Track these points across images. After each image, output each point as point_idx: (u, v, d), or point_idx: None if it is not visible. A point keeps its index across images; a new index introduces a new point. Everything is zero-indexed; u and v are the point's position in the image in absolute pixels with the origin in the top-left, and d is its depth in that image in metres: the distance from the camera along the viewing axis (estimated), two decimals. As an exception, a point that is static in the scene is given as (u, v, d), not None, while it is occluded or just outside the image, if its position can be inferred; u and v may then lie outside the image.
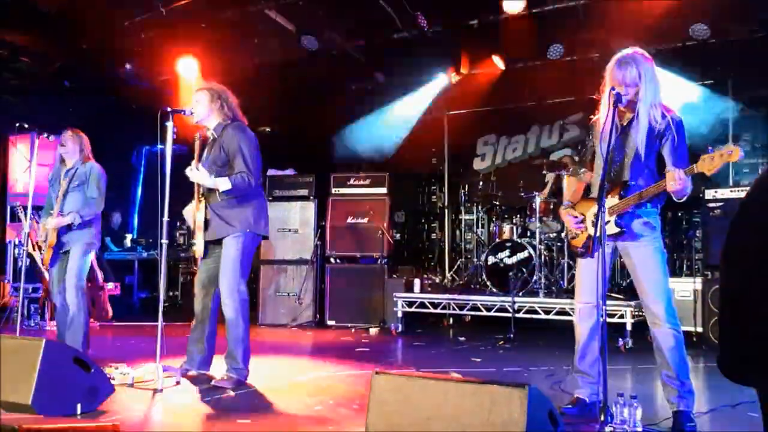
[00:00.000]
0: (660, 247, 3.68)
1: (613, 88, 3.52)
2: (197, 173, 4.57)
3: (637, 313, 6.45)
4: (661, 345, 3.62)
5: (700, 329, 6.41)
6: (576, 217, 3.88)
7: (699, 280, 6.55)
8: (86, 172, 5.51)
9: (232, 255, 4.62)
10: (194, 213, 4.71)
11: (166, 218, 4.68)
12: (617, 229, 3.66)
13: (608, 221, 3.67)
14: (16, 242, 8.30)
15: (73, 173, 5.51)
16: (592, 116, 3.96)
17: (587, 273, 3.74)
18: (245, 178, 4.60)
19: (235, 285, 4.61)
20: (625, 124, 3.70)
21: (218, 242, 4.73)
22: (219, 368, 4.74)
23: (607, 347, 3.34)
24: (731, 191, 6.71)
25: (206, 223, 4.67)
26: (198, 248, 4.70)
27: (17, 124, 5.52)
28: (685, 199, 3.49)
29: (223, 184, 4.57)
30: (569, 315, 6.69)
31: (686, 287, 6.49)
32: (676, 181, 3.37)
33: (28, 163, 5.78)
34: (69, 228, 5.39)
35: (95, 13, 7.77)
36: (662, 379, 3.65)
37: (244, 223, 4.66)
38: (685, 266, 7.75)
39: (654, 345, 3.68)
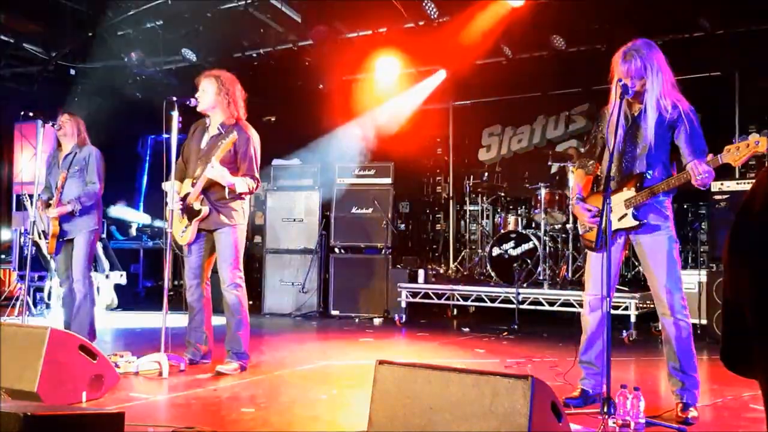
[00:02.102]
0: (673, 237, 3.66)
1: (620, 80, 3.51)
2: (216, 171, 4.52)
3: (641, 305, 6.45)
4: (669, 336, 3.61)
5: (704, 321, 6.40)
6: (590, 210, 3.84)
7: (704, 272, 6.53)
8: (85, 157, 5.43)
9: (233, 243, 4.68)
10: (188, 199, 4.70)
11: (171, 207, 4.69)
12: (636, 222, 3.63)
13: (625, 214, 3.65)
14: (22, 230, 8.32)
15: (71, 159, 5.42)
16: (601, 107, 3.93)
17: (598, 266, 3.66)
18: (255, 181, 4.70)
19: (237, 272, 4.69)
20: (636, 114, 3.68)
21: (209, 231, 4.77)
22: (221, 354, 4.77)
23: (611, 339, 3.35)
24: (737, 183, 6.68)
25: (197, 212, 4.66)
26: (190, 235, 4.71)
27: (23, 113, 5.50)
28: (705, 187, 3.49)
29: (240, 185, 4.59)
30: (573, 307, 6.69)
31: (691, 279, 6.47)
32: (702, 174, 3.36)
33: (34, 151, 5.77)
34: (71, 215, 5.31)
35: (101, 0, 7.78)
36: (668, 370, 3.65)
37: (238, 216, 4.73)
38: (690, 258, 7.74)
39: (662, 335, 3.68)
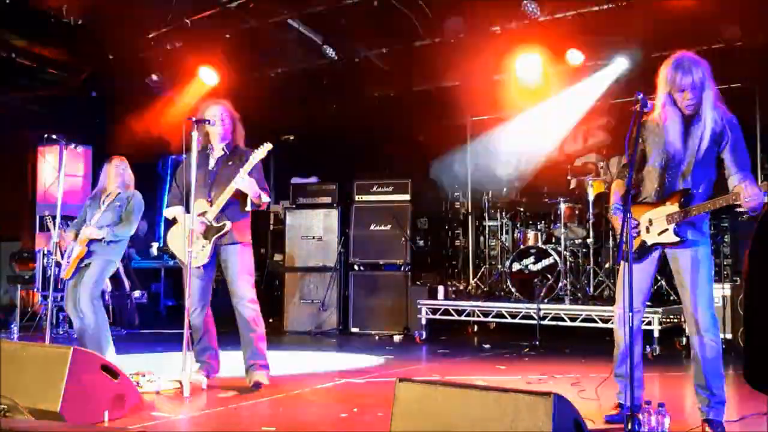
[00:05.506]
0: (709, 254, 3.61)
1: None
2: (247, 181, 4.69)
3: (664, 319, 6.37)
4: (697, 354, 3.56)
5: (729, 336, 6.30)
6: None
7: (728, 286, 6.44)
8: (128, 196, 5.56)
9: (248, 260, 4.83)
10: (207, 216, 4.77)
11: (192, 226, 4.72)
12: (676, 239, 3.55)
13: (666, 229, 3.58)
14: (45, 251, 8.42)
15: (115, 195, 5.55)
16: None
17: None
18: (269, 194, 4.91)
19: (253, 287, 4.82)
20: (687, 126, 3.58)
21: (223, 245, 4.83)
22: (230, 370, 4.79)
23: (635, 354, 3.30)
24: (760, 196, 6.59)
25: (216, 230, 4.76)
26: (207, 254, 4.75)
27: (45, 135, 5.59)
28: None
29: (266, 197, 4.82)
30: (595, 322, 6.63)
31: (715, 293, 6.35)
32: (750, 196, 3.26)
33: (57, 174, 5.85)
34: (98, 242, 5.37)
35: (121, 24, 7.89)
36: (695, 388, 3.60)
37: (248, 235, 4.90)
38: (713, 272, 7.63)
39: (691, 353, 3.62)
